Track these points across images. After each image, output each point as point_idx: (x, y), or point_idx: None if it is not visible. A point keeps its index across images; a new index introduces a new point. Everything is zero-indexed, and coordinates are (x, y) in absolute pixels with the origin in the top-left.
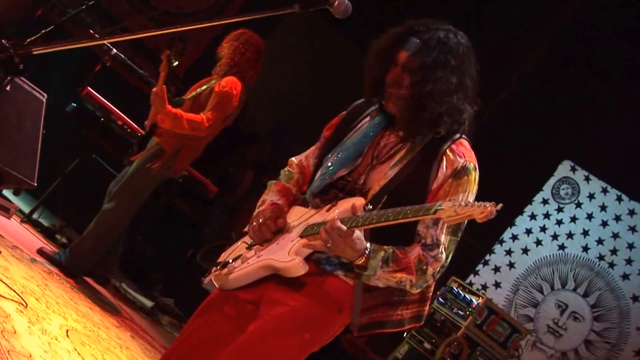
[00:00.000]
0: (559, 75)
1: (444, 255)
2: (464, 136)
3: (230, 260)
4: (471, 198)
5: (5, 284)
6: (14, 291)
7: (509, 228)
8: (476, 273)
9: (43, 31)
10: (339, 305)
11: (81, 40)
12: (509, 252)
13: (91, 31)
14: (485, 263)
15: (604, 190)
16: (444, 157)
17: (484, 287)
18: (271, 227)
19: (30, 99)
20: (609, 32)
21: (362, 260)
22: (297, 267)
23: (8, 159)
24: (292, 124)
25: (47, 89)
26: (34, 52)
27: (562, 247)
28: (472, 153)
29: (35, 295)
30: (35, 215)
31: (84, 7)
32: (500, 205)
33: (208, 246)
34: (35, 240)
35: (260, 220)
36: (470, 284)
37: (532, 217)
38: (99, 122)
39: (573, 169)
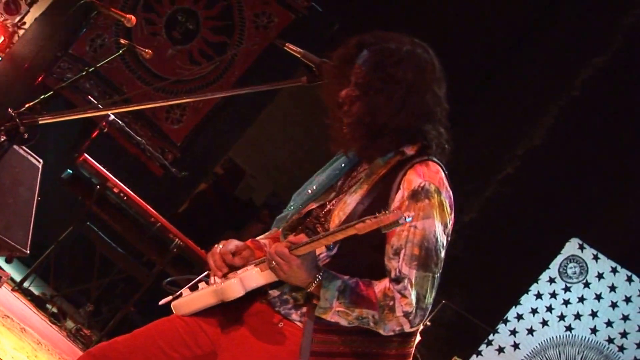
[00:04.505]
0: (567, 149)
1: (411, 292)
2: (434, 159)
3: (187, 288)
4: (438, 226)
5: None
6: None
7: (513, 307)
8: (479, 353)
9: (42, 96)
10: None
11: (86, 110)
12: (513, 332)
13: (90, 97)
14: (489, 343)
15: (614, 270)
16: (404, 179)
17: None
18: (227, 257)
19: (26, 165)
20: (618, 105)
21: (313, 287)
22: (231, 285)
23: (1, 226)
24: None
25: (43, 154)
26: (40, 122)
27: (569, 328)
28: (439, 175)
29: None
30: (26, 284)
31: (84, 73)
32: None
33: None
34: (25, 309)
35: (221, 247)
36: None
37: (538, 296)
38: (94, 190)
39: (581, 247)
